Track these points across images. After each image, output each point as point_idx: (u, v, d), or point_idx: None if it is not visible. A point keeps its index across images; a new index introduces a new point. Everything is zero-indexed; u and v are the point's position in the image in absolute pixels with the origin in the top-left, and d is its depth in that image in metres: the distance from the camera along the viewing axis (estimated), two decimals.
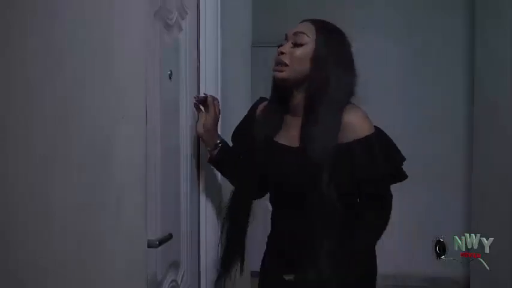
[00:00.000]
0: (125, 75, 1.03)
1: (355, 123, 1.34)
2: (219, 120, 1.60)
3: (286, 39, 1.43)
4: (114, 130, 0.99)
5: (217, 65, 1.74)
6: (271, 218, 1.56)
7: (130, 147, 1.06)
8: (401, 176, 1.44)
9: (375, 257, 1.48)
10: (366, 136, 1.33)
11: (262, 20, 2.65)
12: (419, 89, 3.91)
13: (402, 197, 3.72)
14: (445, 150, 3.85)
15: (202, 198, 1.70)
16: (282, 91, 1.45)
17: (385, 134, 1.43)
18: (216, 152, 1.57)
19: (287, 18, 1.72)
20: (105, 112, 0.96)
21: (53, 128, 0.79)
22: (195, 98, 1.57)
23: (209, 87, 1.71)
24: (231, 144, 1.61)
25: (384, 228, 1.40)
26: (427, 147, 3.81)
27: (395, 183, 1.43)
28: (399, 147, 1.43)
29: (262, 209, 1.63)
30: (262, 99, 1.59)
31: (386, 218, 1.41)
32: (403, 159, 1.42)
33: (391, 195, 1.42)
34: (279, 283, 1.48)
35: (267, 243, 1.59)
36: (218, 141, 1.57)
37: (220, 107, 1.59)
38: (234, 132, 1.62)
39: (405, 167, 1.44)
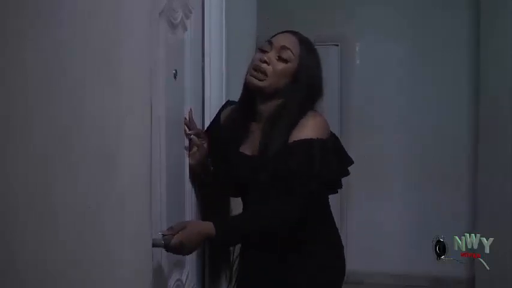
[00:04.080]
0: (129, 74, 1.03)
1: (305, 125, 1.37)
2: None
3: (270, 45, 1.43)
4: (119, 130, 0.99)
5: (222, 65, 1.75)
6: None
7: (135, 147, 1.07)
8: (335, 187, 1.47)
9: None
10: (309, 138, 1.34)
11: (267, 18, 2.64)
12: (421, 89, 3.88)
13: (405, 197, 3.76)
14: (447, 151, 3.82)
15: None
16: (252, 97, 1.47)
17: (335, 147, 1.42)
18: (212, 178, 1.58)
19: (290, 18, 1.72)
20: (110, 112, 0.96)
21: (56, 129, 0.79)
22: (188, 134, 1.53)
23: (213, 86, 1.71)
24: None
25: (287, 219, 1.36)
26: (429, 147, 3.77)
27: (331, 192, 1.47)
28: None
29: None
30: (229, 103, 1.59)
31: (292, 208, 1.35)
32: (341, 173, 1.43)
33: (305, 195, 1.35)
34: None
35: None
36: (212, 168, 1.58)
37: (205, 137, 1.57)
38: None
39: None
